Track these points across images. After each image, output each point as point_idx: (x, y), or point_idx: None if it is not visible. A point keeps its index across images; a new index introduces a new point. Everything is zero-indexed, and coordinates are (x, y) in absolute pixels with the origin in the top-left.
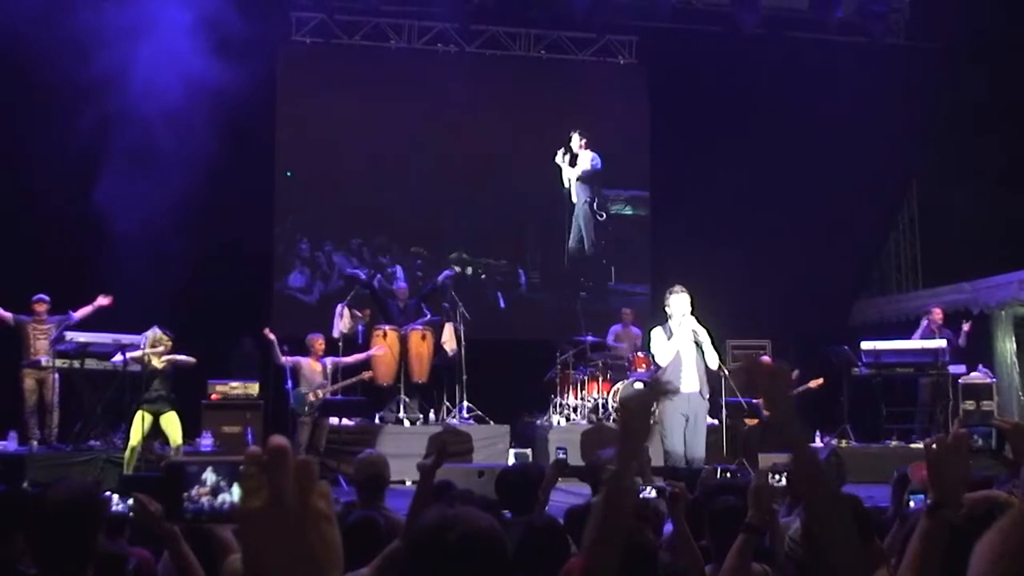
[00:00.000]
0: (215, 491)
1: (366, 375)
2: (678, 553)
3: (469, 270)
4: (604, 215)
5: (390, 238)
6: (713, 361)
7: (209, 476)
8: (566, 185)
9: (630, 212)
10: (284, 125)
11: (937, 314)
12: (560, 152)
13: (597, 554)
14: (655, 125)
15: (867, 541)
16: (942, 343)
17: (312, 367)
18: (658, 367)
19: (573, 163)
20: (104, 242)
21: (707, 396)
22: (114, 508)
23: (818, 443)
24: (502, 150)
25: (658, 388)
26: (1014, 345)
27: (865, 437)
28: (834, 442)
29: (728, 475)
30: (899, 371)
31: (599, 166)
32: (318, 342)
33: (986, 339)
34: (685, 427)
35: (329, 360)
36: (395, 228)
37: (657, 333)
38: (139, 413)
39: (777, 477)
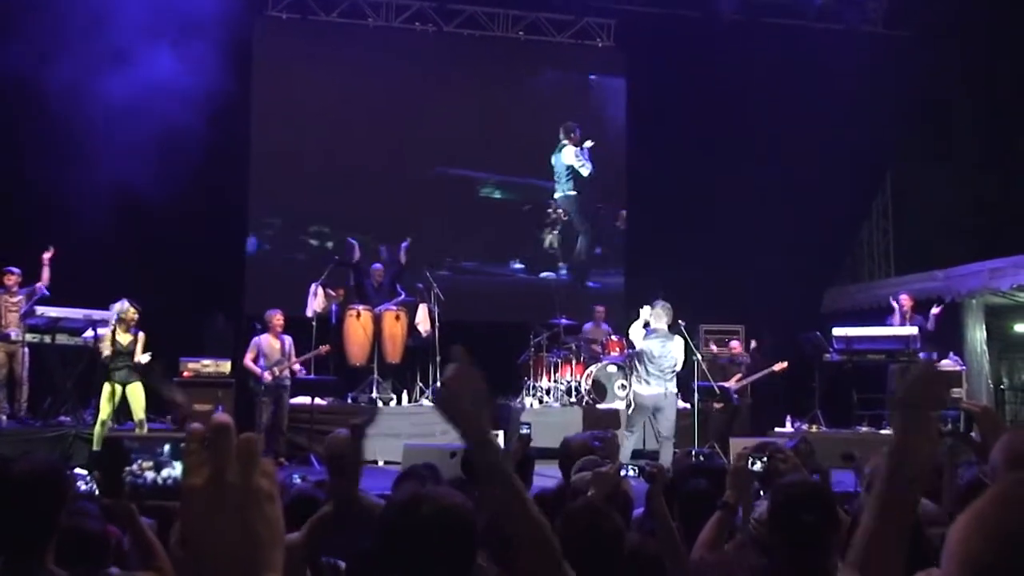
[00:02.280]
0: (159, 466)
1: (323, 349)
2: (656, 533)
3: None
4: (602, 207)
5: (362, 217)
6: (680, 363)
7: (154, 451)
8: (556, 168)
9: (500, 196)
10: (259, 100)
11: (905, 301)
12: (575, 145)
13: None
14: (632, 109)
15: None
16: (913, 330)
17: (271, 344)
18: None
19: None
20: (76, 217)
21: (673, 389)
22: (81, 486)
23: (789, 428)
24: (478, 132)
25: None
26: (984, 334)
27: (836, 423)
28: (804, 427)
29: (701, 458)
30: (870, 358)
31: (587, 160)
32: (276, 318)
33: (957, 327)
34: (647, 422)
35: (287, 338)
36: (366, 207)
37: (636, 328)
38: (106, 386)
39: (752, 460)
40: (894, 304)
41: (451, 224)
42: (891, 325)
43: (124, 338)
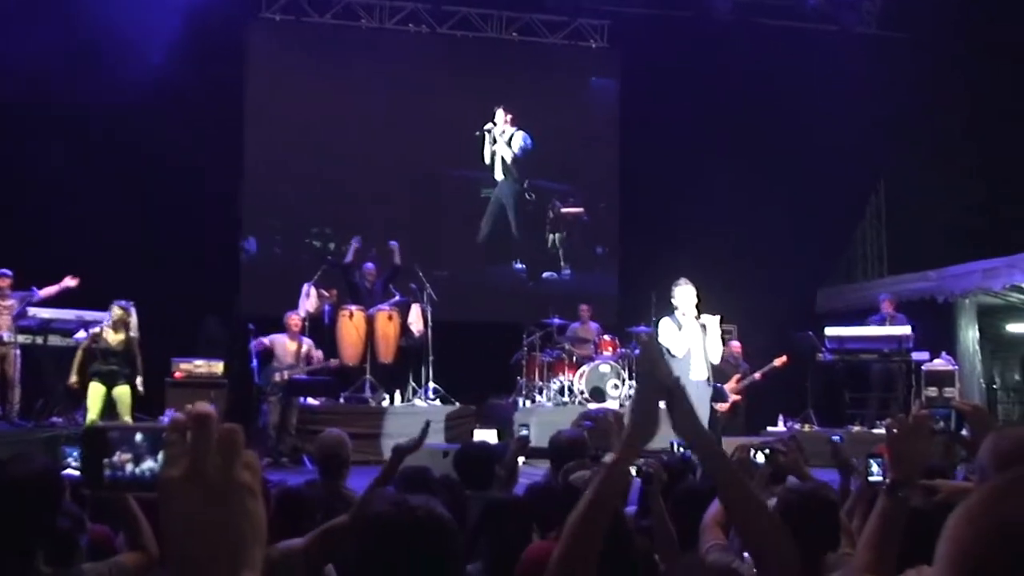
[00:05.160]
0: (138, 458)
1: (333, 363)
2: (654, 533)
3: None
4: (534, 196)
5: (357, 218)
6: (716, 355)
7: (134, 442)
8: (488, 162)
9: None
10: (253, 101)
11: (886, 305)
12: (492, 128)
13: (581, 537)
14: (625, 110)
15: (835, 527)
16: (906, 329)
17: (287, 347)
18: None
19: (505, 143)
20: (70, 219)
21: (711, 383)
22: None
23: (781, 427)
24: (472, 132)
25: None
26: (976, 333)
27: (828, 422)
28: (797, 427)
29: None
30: (862, 357)
31: (531, 145)
32: (294, 320)
33: (950, 327)
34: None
35: (307, 340)
36: (362, 208)
37: (666, 324)
38: (92, 385)
39: (754, 452)
40: (883, 308)
41: (452, 224)
42: (876, 324)
43: (113, 338)
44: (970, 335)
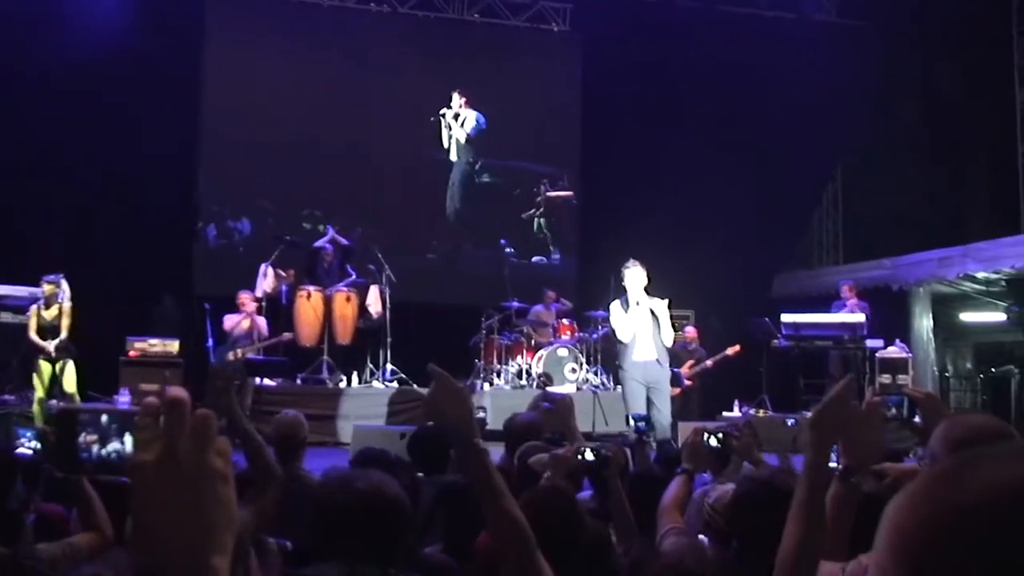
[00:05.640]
0: (104, 439)
1: (286, 337)
2: (613, 517)
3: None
4: (481, 178)
5: (321, 199)
6: (668, 338)
7: (101, 424)
8: (446, 145)
9: (488, 180)
10: (210, 77)
11: (847, 291)
12: (447, 112)
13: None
14: (586, 94)
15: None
16: (860, 317)
17: (240, 325)
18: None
19: (459, 124)
20: (21, 193)
21: (666, 365)
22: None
23: (736, 413)
24: (432, 112)
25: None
26: (930, 321)
27: (782, 407)
28: (752, 412)
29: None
30: (817, 344)
31: (484, 125)
32: (247, 299)
33: (904, 315)
34: (648, 394)
35: (261, 320)
36: (323, 188)
37: (615, 308)
38: (38, 363)
39: (708, 436)
40: (843, 295)
41: (416, 205)
42: (837, 312)
43: (49, 315)
44: (924, 323)
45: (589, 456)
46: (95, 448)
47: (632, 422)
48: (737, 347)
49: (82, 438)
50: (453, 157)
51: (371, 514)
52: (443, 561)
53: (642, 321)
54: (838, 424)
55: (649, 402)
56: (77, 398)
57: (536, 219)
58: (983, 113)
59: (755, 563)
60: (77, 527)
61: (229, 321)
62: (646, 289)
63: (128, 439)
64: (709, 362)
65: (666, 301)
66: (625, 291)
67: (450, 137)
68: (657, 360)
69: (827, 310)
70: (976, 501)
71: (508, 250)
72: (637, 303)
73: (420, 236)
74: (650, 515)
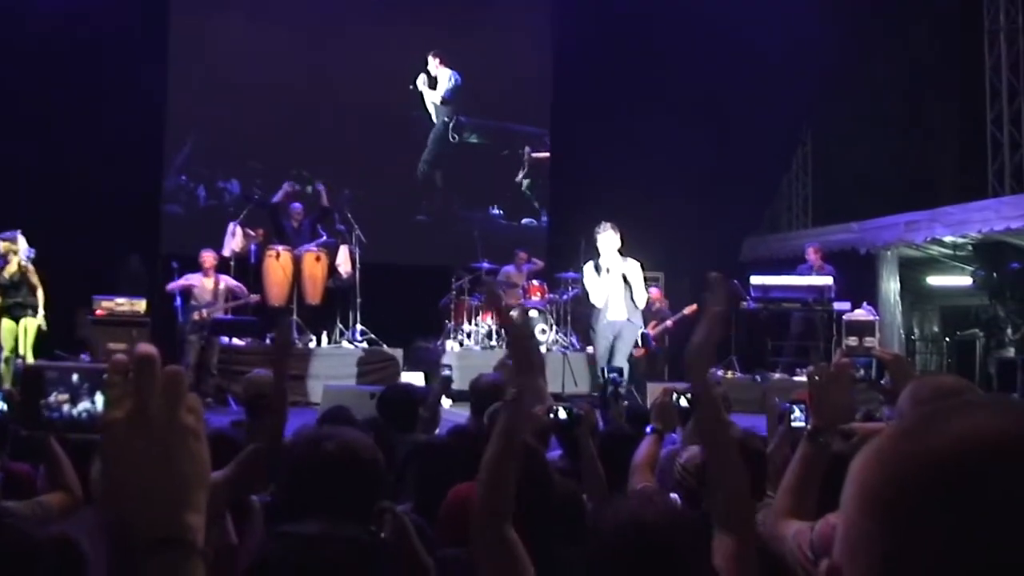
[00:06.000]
0: (75, 398)
1: (253, 298)
2: (584, 476)
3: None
4: (457, 137)
5: (282, 157)
6: (641, 300)
7: (71, 382)
8: (430, 110)
9: (476, 141)
10: (178, 37)
11: (812, 253)
12: (420, 79)
13: (494, 478)
14: (557, 53)
15: (762, 477)
16: (828, 280)
17: (204, 285)
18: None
19: (433, 85)
20: None
21: (638, 323)
22: None
23: None
24: (403, 72)
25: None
26: (898, 285)
27: (750, 369)
28: (720, 373)
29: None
30: (786, 306)
31: (460, 82)
32: (209, 257)
33: (872, 278)
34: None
35: (223, 278)
36: (286, 148)
37: (588, 270)
38: (3, 321)
39: (677, 396)
40: (808, 258)
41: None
42: (803, 274)
43: (7, 271)
44: (891, 286)
45: (562, 415)
46: (66, 407)
47: (604, 375)
48: (694, 306)
49: (52, 397)
50: (435, 120)
51: (346, 472)
52: (413, 520)
53: (615, 284)
54: (713, 354)
55: (612, 353)
56: (30, 357)
57: (524, 180)
58: (954, 77)
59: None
60: (44, 486)
61: (198, 283)
62: (620, 251)
63: (99, 397)
64: (669, 322)
65: (638, 264)
66: (598, 254)
67: (432, 103)
68: (628, 319)
69: (794, 273)
70: (943, 454)
71: (496, 212)
72: (608, 270)
73: (410, 198)
74: (620, 474)
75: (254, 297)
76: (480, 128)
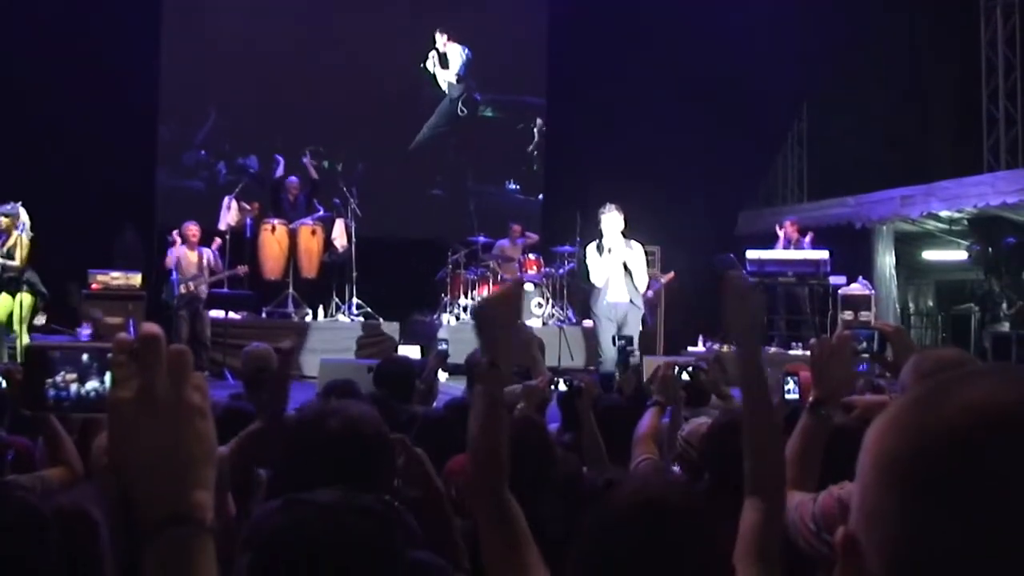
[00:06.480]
0: (83, 378)
1: (240, 270)
2: (584, 448)
3: (360, 166)
4: (466, 111)
5: (279, 131)
6: (642, 282)
7: (80, 361)
8: (444, 88)
9: (491, 115)
10: (173, 8)
11: (789, 228)
12: (430, 59)
13: (481, 448)
14: (553, 28)
15: None
16: (824, 254)
17: (188, 257)
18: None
19: (444, 63)
20: None
21: (640, 304)
22: None
23: (701, 348)
24: (398, 46)
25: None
26: (893, 259)
27: None
28: (716, 347)
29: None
30: (781, 280)
31: (470, 56)
32: (192, 230)
33: (867, 252)
34: (615, 332)
35: (206, 250)
36: (283, 122)
37: (591, 251)
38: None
39: (678, 370)
40: (779, 232)
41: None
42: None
43: (7, 245)
44: (887, 261)
45: (563, 387)
46: (74, 387)
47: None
48: (672, 274)
49: (60, 376)
50: (449, 95)
51: (352, 446)
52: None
53: (615, 265)
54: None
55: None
56: (26, 337)
57: (534, 151)
58: (950, 52)
59: (726, 495)
60: (43, 460)
61: (182, 255)
62: (623, 232)
63: (108, 377)
64: (650, 292)
65: (640, 245)
66: (601, 234)
67: (447, 81)
68: (631, 300)
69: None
70: (959, 423)
71: (512, 186)
72: (609, 250)
73: (426, 172)
74: (619, 446)
75: (241, 269)
76: (494, 102)
